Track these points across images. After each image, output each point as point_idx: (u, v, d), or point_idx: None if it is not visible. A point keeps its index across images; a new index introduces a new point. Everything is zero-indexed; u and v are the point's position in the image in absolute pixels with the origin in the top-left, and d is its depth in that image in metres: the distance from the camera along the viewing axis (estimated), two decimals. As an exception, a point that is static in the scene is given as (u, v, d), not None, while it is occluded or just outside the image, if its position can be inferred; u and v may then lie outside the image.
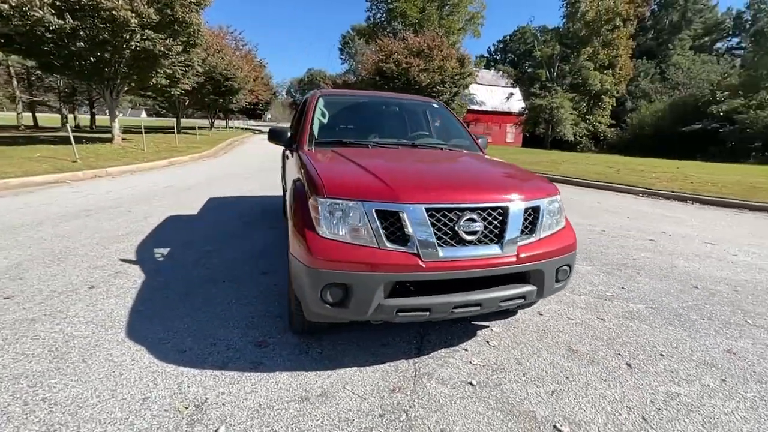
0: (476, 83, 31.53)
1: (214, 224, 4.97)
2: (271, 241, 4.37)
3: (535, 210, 2.13)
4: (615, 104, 34.92)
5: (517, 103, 37.97)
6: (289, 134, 3.01)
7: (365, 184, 1.99)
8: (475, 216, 1.95)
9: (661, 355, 2.41)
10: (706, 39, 40.99)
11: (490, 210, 1.99)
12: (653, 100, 35.67)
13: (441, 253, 1.87)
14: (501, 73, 38.21)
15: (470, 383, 2.06)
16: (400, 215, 1.87)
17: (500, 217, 2.01)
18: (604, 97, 34.09)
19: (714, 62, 36.20)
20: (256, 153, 16.31)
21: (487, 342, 2.48)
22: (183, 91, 16.34)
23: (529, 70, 41.06)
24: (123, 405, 1.79)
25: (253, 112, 42.56)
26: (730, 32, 42.22)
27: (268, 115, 57.66)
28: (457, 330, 2.59)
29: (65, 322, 2.48)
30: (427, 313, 1.91)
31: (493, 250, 1.97)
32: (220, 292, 3.03)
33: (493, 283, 2.03)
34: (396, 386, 2.01)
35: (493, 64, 50.11)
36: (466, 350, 2.38)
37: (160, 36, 11.73)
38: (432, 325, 2.62)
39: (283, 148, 5.55)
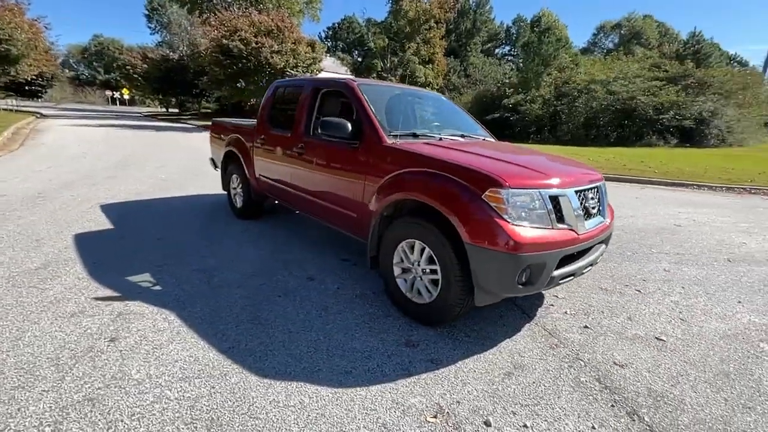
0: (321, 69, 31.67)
1: (155, 237, 3.95)
2: (271, 244, 3.83)
3: (604, 185, 2.78)
4: (436, 95, 40.97)
5: (357, 91, 39.92)
6: (350, 127, 2.78)
7: (530, 175, 2.22)
8: (593, 194, 2.44)
9: (644, 280, 3.49)
10: (490, 45, 52.24)
11: (596, 188, 2.52)
12: (462, 93, 43.25)
13: (586, 226, 2.30)
14: (341, 60, 39.40)
15: (585, 326, 2.60)
16: (560, 199, 2.20)
17: (599, 193, 2.56)
18: (427, 89, 39.50)
19: (497, 64, 46.38)
20: (75, 143, 12.48)
21: (556, 296, 3.06)
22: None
23: (359, 59, 43.76)
24: (373, 438, 1.60)
25: (29, 88, 31.30)
26: (504, 41, 55.15)
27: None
28: (530, 292, 3.08)
29: (150, 388, 1.83)
30: (573, 276, 2.33)
31: (601, 219, 2.52)
32: (289, 308, 2.66)
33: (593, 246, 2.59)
34: (551, 344, 2.38)
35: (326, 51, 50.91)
36: (552, 305, 2.90)
37: None
38: (511, 293, 3.03)
39: (222, 139, 4.81)
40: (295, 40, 21.19)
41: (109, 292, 2.75)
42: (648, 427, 1.73)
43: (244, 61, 19.87)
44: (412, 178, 2.40)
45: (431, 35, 38.19)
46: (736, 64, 39.40)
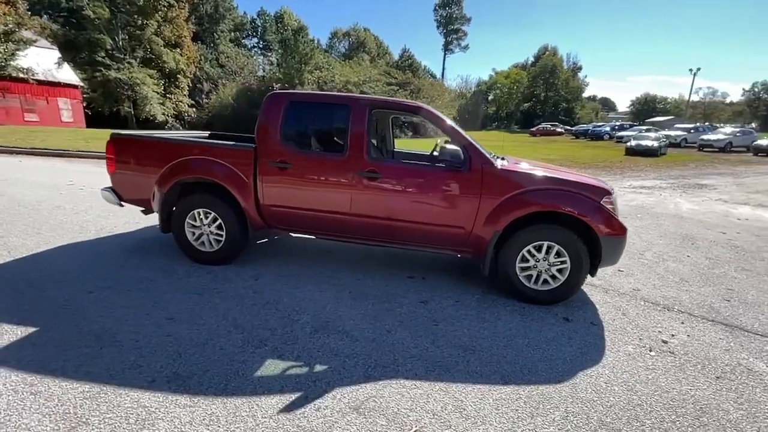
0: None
1: (163, 317, 2.71)
2: (319, 283, 3.31)
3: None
4: (191, 85, 36.16)
5: (73, 73, 30.05)
6: (462, 154, 3.00)
7: (607, 185, 3.27)
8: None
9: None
10: (237, 34, 49.98)
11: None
12: (217, 84, 39.98)
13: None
14: (42, 29, 27.94)
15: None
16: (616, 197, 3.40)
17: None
18: (179, 77, 34.36)
19: (249, 56, 45.28)
20: None
21: (553, 261, 4.38)
22: None
23: (56, 26, 32.57)
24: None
25: None
26: (250, 33, 53.96)
27: None
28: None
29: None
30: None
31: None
32: (464, 330, 2.77)
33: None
34: (610, 293, 3.62)
35: None
36: (562, 268, 4.18)
37: None
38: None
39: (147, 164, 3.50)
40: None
41: (277, 399, 1.99)
42: (704, 317, 3.23)
43: None
44: (548, 195, 3.03)
45: (174, 15, 33.15)
46: (431, 76, 54.79)
